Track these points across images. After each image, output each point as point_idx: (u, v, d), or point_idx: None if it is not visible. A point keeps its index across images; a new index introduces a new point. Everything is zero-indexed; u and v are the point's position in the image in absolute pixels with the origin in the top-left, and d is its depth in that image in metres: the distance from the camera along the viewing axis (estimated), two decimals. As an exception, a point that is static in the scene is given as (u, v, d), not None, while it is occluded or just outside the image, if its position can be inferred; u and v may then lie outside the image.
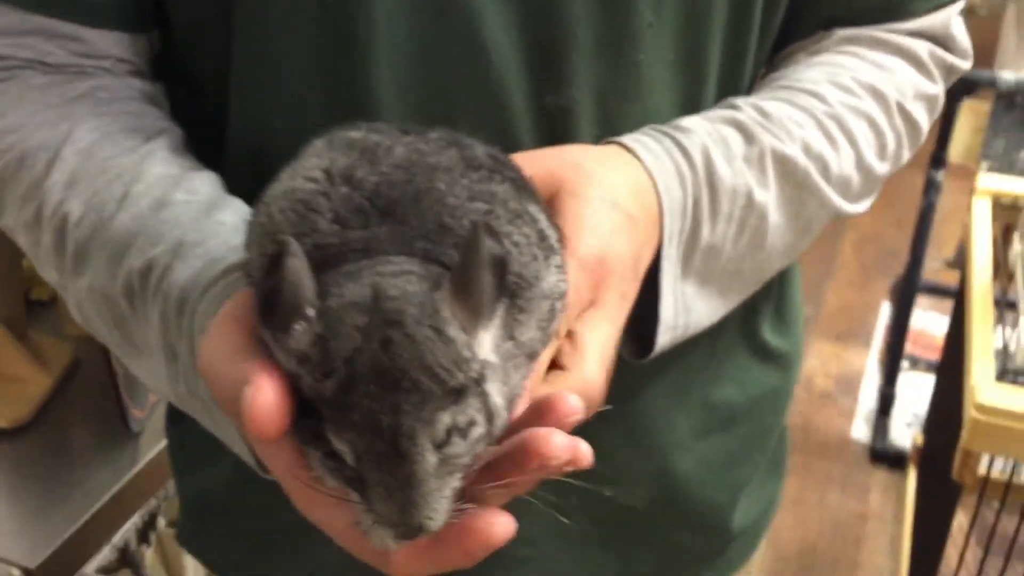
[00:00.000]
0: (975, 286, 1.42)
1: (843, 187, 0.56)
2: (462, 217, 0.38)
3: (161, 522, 1.00)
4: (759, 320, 0.64)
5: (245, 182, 0.53)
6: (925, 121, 0.61)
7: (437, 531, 0.33)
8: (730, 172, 0.51)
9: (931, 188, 2.08)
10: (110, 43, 0.54)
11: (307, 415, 0.34)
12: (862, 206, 0.59)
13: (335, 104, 0.51)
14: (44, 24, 0.52)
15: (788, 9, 0.57)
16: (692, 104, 0.55)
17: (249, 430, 0.33)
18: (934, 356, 2.38)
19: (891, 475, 2.11)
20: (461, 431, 0.34)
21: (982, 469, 1.61)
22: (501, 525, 0.33)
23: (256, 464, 0.43)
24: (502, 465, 0.35)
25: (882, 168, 0.59)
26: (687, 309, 0.50)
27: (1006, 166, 1.97)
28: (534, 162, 0.46)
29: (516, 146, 0.50)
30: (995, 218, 1.63)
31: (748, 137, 0.52)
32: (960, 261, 2.38)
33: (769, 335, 0.65)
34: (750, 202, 0.52)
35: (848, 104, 0.56)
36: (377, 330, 0.33)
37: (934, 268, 2.46)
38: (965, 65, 0.62)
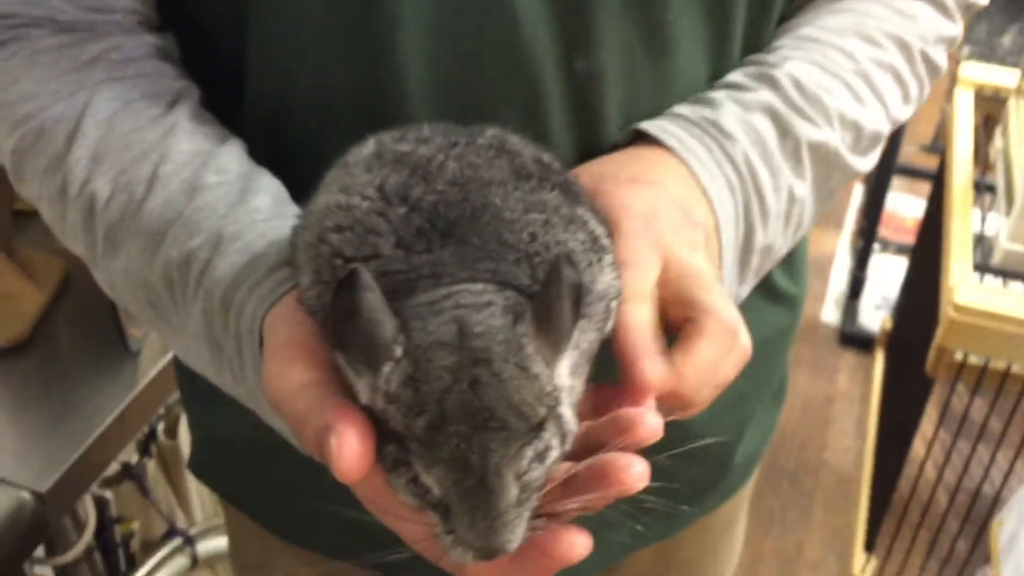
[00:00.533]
0: (956, 183, 1.43)
1: (869, 146, 0.57)
2: (521, 231, 0.38)
3: (161, 435, 1.01)
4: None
5: (266, 137, 0.52)
6: (943, 62, 0.61)
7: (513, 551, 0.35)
8: (769, 173, 0.51)
9: (911, 72, 2.06)
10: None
11: (388, 441, 0.35)
12: (876, 157, 0.60)
13: (358, 66, 0.49)
14: None
15: None
16: (719, 61, 0.53)
17: (334, 473, 0.34)
18: (905, 239, 2.41)
19: (859, 357, 2.18)
20: (539, 457, 0.35)
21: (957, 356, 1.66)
22: (580, 545, 0.35)
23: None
24: (579, 484, 0.36)
25: (904, 116, 0.59)
26: (738, 298, 0.52)
27: (987, 51, 1.96)
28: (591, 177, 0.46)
29: (545, 112, 0.49)
30: (976, 107, 1.63)
31: (782, 130, 0.52)
32: (937, 146, 2.39)
33: (780, 279, 0.66)
34: (792, 196, 0.53)
35: (875, 59, 0.56)
36: (465, 370, 0.34)
37: (910, 151, 2.47)
38: (984, 0, 0.62)
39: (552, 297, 0.35)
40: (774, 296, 0.66)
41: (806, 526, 1.84)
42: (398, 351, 0.34)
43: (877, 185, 2.24)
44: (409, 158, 0.41)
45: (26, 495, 0.82)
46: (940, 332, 1.24)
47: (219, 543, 1.06)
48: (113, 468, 0.99)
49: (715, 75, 0.54)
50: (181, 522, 1.04)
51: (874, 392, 2.02)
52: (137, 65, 0.52)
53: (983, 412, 1.50)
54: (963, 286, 1.22)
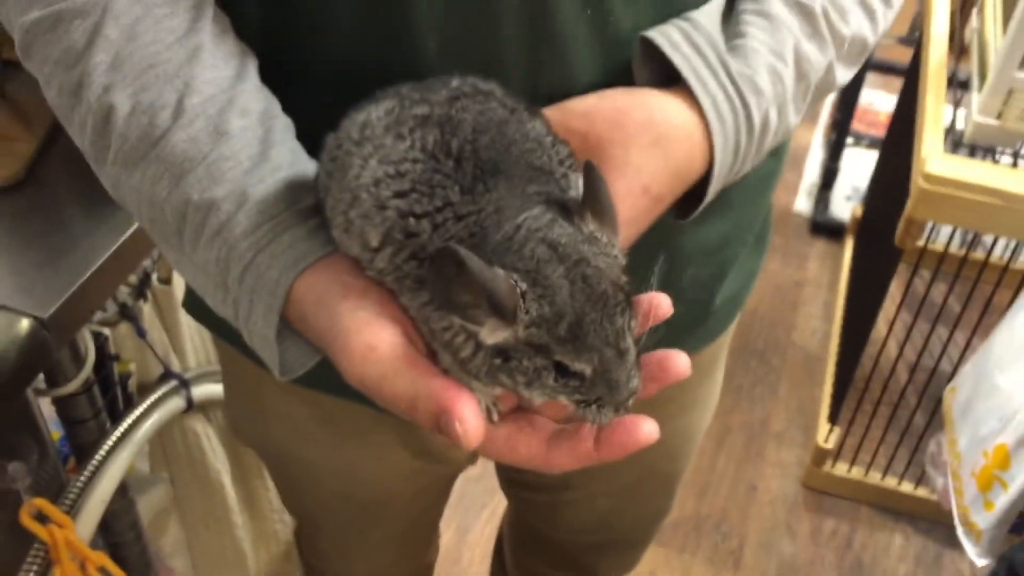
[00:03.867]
0: (931, 59, 1.46)
1: (865, 51, 0.61)
2: (541, 155, 0.46)
3: (155, 279, 1.03)
4: None
5: (271, 55, 0.53)
6: None
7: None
8: (777, 120, 0.55)
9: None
10: None
11: (521, 358, 0.42)
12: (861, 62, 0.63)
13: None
14: None
15: None
16: None
17: (458, 445, 0.41)
18: (877, 132, 2.44)
19: (829, 245, 2.23)
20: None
21: (919, 243, 1.71)
22: (651, 429, 0.43)
23: (279, 372, 0.49)
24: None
25: (892, 15, 0.62)
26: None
27: (967, -61, 1.96)
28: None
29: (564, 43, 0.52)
30: (953, -4, 1.64)
31: (801, 72, 0.55)
32: (913, 37, 2.41)
33: None
34: (787, 129, 0.57)
35: None
36: (575, 271, 0.41)
37: (884, 44, 2.49)
38: None
39: (599, 195, 0.43)
40: None
41: (773, 401, 1.91)
42: (523, 285, 0.41)
43: (852, 80, 2.26)
44: (430, 119, 0.45)
45: (28, 320, 0.84)
46: (911, 202, 1.28)
47: (213, 389, 1.09)
48: (111, 310, 1.01)
49: None
50: (176, 367, 1.07)
51: (842, 277, 2.08)
52: None
53: (943, 295, 1.55)
54: (934, 157, 1.25)
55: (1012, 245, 1.78)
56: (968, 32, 1.55)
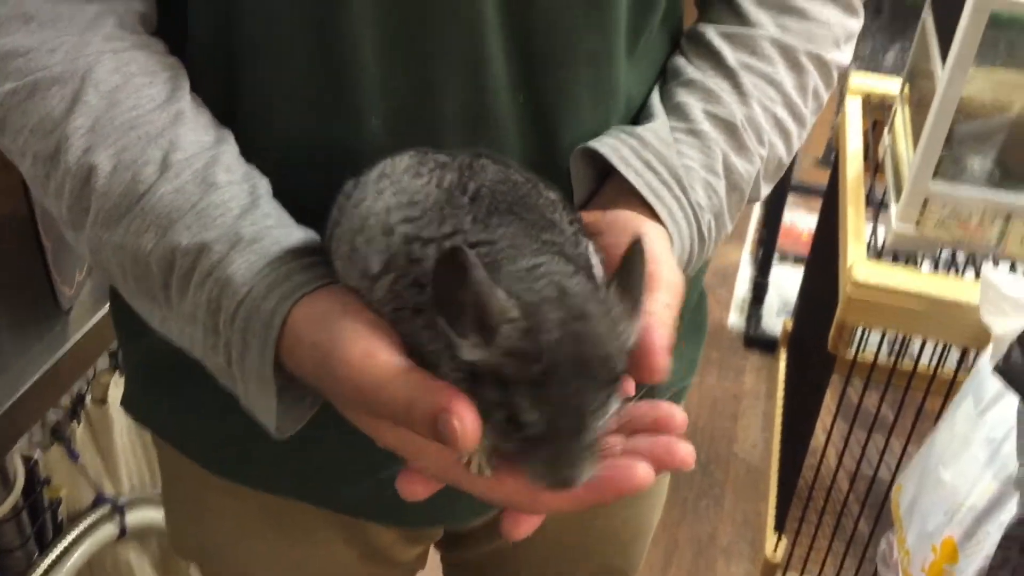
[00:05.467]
0: (848, 175, 1.53)
1: (778, 174, 0.64)
2: (555, 213, 0.46)
3: (89, 400, 1.00)
4: None
5: (215, 83, 0.54)
6: (849, 59, 0.67)
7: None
8: (717, 232, 0.58)
9: (804, 88, 2.19)
10: None
11: (486, 388, 0.40)
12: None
13: (307, 16, 0.51)
14: None
15: None
16: (644, 34, 0.59)
17: (455, 447, 0.40)
18: (801, 250, 2.53)
19: (763, 358, 2.27)
20: (609, 408, 0.41)
21: (850, 354, 1.76)
22: (646, 472, 0.41)
23: (275, 429, 0.48)
24: (636, 451, 0.43)
25: (805, 133, 0.66)
26: None
27: (873, 68, 2.10)
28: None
29: (481, 30, 0.52)
30: (864, 115, 1.74)
31: (732, 184, 0.58)
32: (829, 159, 2.53)
33: None
34: (722, 239, 0.60)
35: (799, 85, 0.62)
36: (571, 324, 0.39)
37: (803, 167, 2.61)
38: None
39: (634, 271, 0.42)
40: None
41: (719, 514, 1.90)
42: (514, 311, 0.39)
43: (774, 201, 2.37)
44: (450, 165, 0.46)
45: (-47, 445, 0.81)
46: (840, 309, 1.32)
47: (149, 515, 1.05)
48: (43, 432, 0.97)
49: (640, 11, 0.58)
50: (110, 492, 1.03)
51: (778, 389, 2.11)
52: (132, 37, 0.53)
53: (876, 403, 1.59)
54: (859, 265, 1.30)
55: (939, 350, 1.84)
56: (881, 149, 1.64)
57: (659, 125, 0.57)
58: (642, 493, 0.84)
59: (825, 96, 0.64)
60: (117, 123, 0.49)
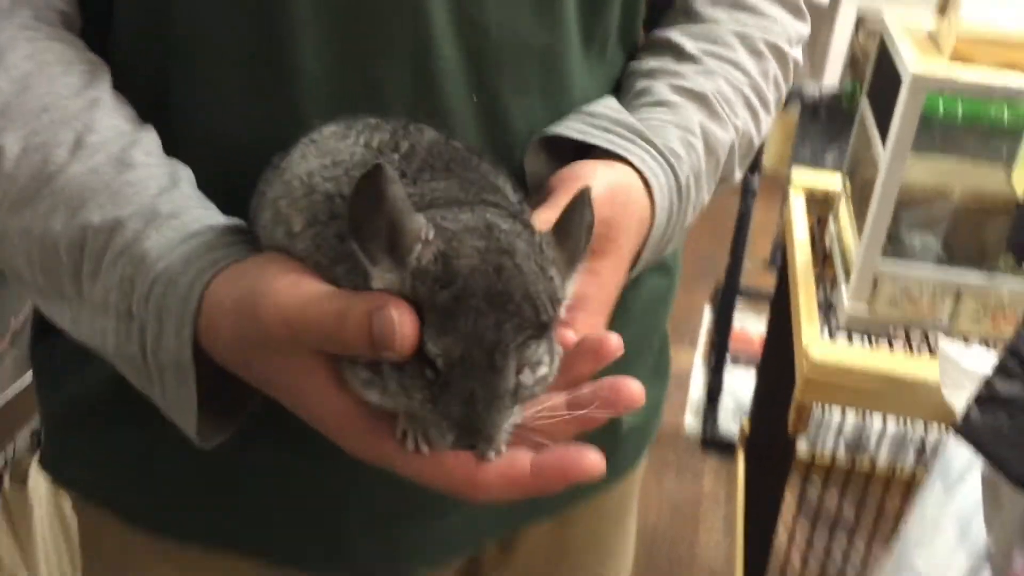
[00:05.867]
0: (797, 260, 1.54)
1: (749, 155, 0.63)
2: (498, 178, 0.44)
3: (7, 481, 0.93)
4: None
5: (145, 89, 0.52)
6: (801, 61, 0.68)
7: (488, 451, 0.37)
8: (695, 192, 0.57)
9: (747, 193, 2.23)
10: None
11: None
12: (744, 170, 0.66)
13: (243, 10, 0.50)
14: None
15: None
16: (598, 39, 0.58)
17: (392, 346, 0.36)
18: (754, 354, 2.53)
19: (721, 460, 2.23)
20: (532, 366, 0.37)
21: (804, 455, 1.74)
22: (596, 459, 0.37)
23: (196, 434, 0.44)
24: (581, 404, 0.39)
25: (770, 122, 0.66)
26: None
27: (814, 168, 2.15)
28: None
29: (428, 22, 0.51)
30: (808, 211, 1.77)
31: (710, 148, 0.58)
32: (776, 260, 2.57)
33: None
34: (701, 206, 0.59)
35: (762, 71, 0.62)
36: (492, 255, 0.36)
37: (750, 270, 2.63)
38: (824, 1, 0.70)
39: (573, 222, 0.39)
40: (654, 265, 0.70)
41: (684, 619, 1.82)
42: (430, 233, 0.36)
43: (723, 305, 2.38)
44: (384, 126, 0.44)
45: None
46: (798, 389, 1.30)
47: (69, 612, 0.96)
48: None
49: (591, 11, 0.57)
50: (26, 586, 0.94)
51: (738, 491, 2.06)
52: (48, 28, 0.51)
53: (836, 502, 1.57)
54: (814, 344, 1.29)
55: (893, 448, 1.82)
56: (827, 239, 1.66)
57: (607, 100, 0.56)
58: (609, 552, 0.80)
59: (784, 88, 0.64)
60: (28, 108, 0.46)
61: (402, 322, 0.35)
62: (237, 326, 0.40)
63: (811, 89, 2.13)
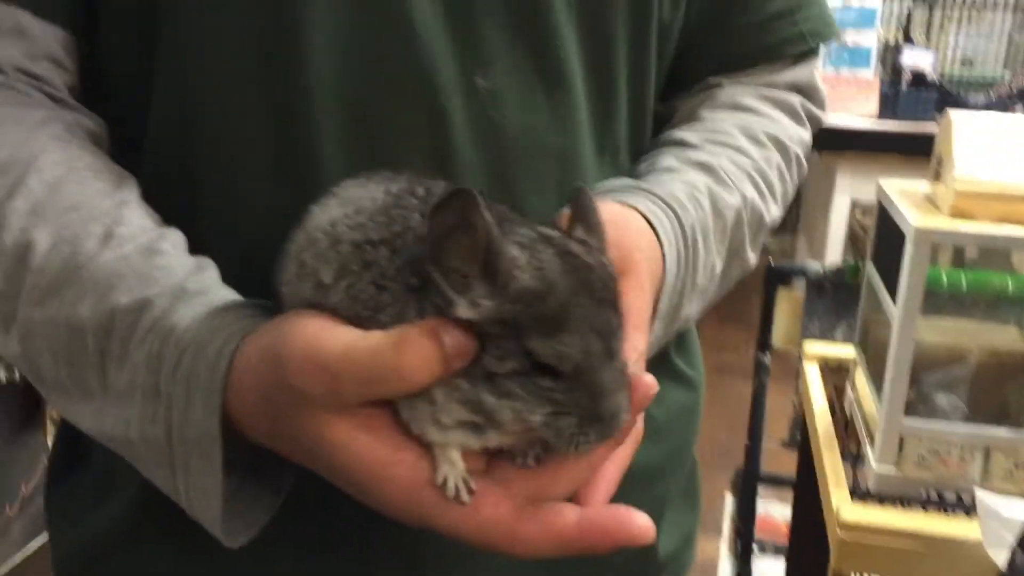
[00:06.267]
0: (819, 427, 1.51)
1: (759, 235, 0.65)
2: (513, 212, 0.45)
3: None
4: (667, 345, 0.68)
5: (172, 184, 0.54)
6: (806, 164, 0.70)
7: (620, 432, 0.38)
8: (704, 249, 0.58)
9: (760, 370, 2.22)
10: (51, 39, 0.55)
11: (493, 349, 0.38)
12: (757, 253, 0.67)
13: (269, 91, 0.53)
14: None
15: (678, 52, 0.65)
16: (605, 104, 0.60)
17: (468, 353, 0.36)
18: (780, 540, 2.44)
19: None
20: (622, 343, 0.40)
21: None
22: (646, 524, 0.38)
23: (221, 530, 0.43)
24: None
25: (779, 212, 0.67)
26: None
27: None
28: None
29: (448, 122, 0.54)
30: (824, 381, 1.76)
31: (717, 210, 0.59)
32: (795, 438, 2.52)
33: (679, 362, 0.70)
34: (712, 273, 0.60)
35: (765, 157, 0.65)
36: (565, 257, 0.39)
37: (769, 453, 2.58)
38: (825, 117, 0.73)
39: (589, 213, 0.42)
40: (674, 376, 0.69)
41: None
42: (520, 254, 0.38)
43: (745, 490, 2.32)
44: (399, 177, 0.45)
45: None
46: (833, 556, 1.24)
47: None
48: None
49: (601, 115, 0.60)
50: None
51: None
52: (78, 141, 0.54)
53: None
54: (846, 506, 1.25)
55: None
56: (847, 405, 1.63)
57: (616, 179, 0.57)
58: None
59: (788, 179, 0.65)
60: (59, 206, 0.48)
61: (450, 331, 0.36)
62: (264, 379, 0.39)
63: (815, 267, 2.17)
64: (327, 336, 0.38)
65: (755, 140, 0.64)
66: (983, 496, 1.13)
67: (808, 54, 0.69)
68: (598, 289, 0.38)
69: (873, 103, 3.03)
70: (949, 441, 1.30)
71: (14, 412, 1.90)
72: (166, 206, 0.52)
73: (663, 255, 0.52)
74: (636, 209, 0.52)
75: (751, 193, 0.62)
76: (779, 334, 2.29)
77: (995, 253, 1.42)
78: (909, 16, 3.03)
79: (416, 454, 0.38)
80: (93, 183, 0.50)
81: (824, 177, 3.53)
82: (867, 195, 2.39)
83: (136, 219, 0.49)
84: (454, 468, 0.37)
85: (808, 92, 0.71)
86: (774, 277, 2.19)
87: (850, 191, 2.97)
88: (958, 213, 1.33)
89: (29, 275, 0.46)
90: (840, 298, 2.13)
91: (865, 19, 3.05)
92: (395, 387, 0.37)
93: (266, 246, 0.51)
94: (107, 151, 0.55)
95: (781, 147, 0.66)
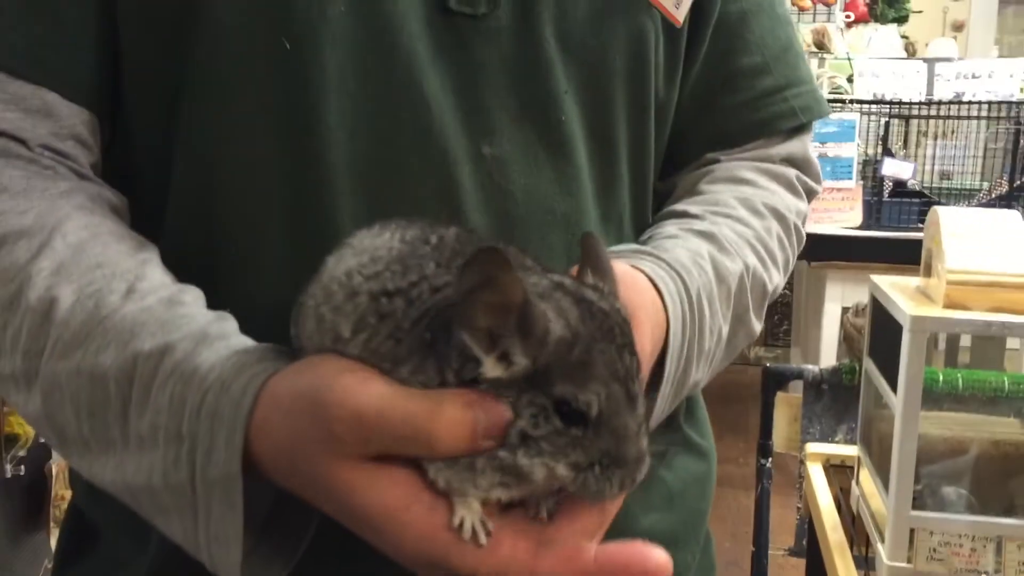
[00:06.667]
0: (826, 524, 1.49)
1: (762, 304, 0.66)
2: (524, 259, 0.45)
3: None
4: (677, 414, 0.69)
5: (190, 251, 0.55)
6: (804, 234, 0.72)
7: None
8: (709, 312, 0.59)
9: (763, 474, 2.20)
10: (76, 120, 0.56)
11: (520, 407, 0.38)
12: (761, 321, 0.68)
13: (287, 165, 0.55)
14: (18, 93, 0.54)
15: (675, 130, 0.68)
16: (608, 172, 0.62)
17: (475, 437, 0.37)
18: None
19: None
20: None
21: None
22: (663, 559, 0.39)
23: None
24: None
25: (781, 280, 0.69)
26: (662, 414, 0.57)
27: (825, 448, 2.14)
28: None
29: (460, 190, 0.56)
30: (829, 481, 1.74)
31: (719, 276, 0.61)
32: (802, 545, 2.47)
33: (691, 432, 0.70)
34: (719, 337, 0.60)
35: (765, 227, 0.67)
36: (582, 304, 0.40)
37: (774, 566, 2.52)
38: (819, 188, 0.75)
39: (598, 257, 0.43)
40: (685, 444, 0.69)
41: None
42: (549, 311, 0.39)
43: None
44: (413, 224, 0.46)
45: None
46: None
47: None
48: None
49: (604, 182, 0.62)
50: None
51: None
52: (101, 210, 0.55)
53: None
54: (860, 604, 1.22)
55: None
56: (854, 504, 1.61)
57: (622, 245, 0.58)
58: None
59: (788, 248, 0.66)
60: (83, 265, 0.49)
61: (497, 410, 0.37)
62: (295, 424, 0.39)
63: (812, 369, 2.18)
64: (363, 389, 0.39)
65: (754, 211, 0.66)
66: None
67: (800, 129, 0.72)
68: (616, 335, 0.39)
69: (858, 212, 3.10)
70: (959, 533, 1.29)
71: (17, 509, 1.85)
72: (185, 276, 0.53)
73: (667, 317, 0.53)
74: (642, 271, 0.54)
75: (753, 260, 0.63)
76: (779, 438, 2.28)
77: (989, 345, 1.44)
78: (887, 128, 3.13)
79: (433, 497, 0.38)
80: (116, 245, 0.51)
81: (814, 285, 3.58)
82: (858, 300, 2.43)
83: (158, 276, 0.50)
84: (471, 511, 0.38)
85: (802, 165, 0.73)
86: (772, 381, 2.19)
87: (840, 298, 3.01)
88: (951, 304, 1.35)
89: (53, 329, 0.47)
90: (839, 400, 2.13)
91: (845, 133, 3.15)
92: (423, 453, 0.38)
93: (283, 316, 0.52)
94: (128, 224, 0.56)
95: (780, 217, 0.68)
